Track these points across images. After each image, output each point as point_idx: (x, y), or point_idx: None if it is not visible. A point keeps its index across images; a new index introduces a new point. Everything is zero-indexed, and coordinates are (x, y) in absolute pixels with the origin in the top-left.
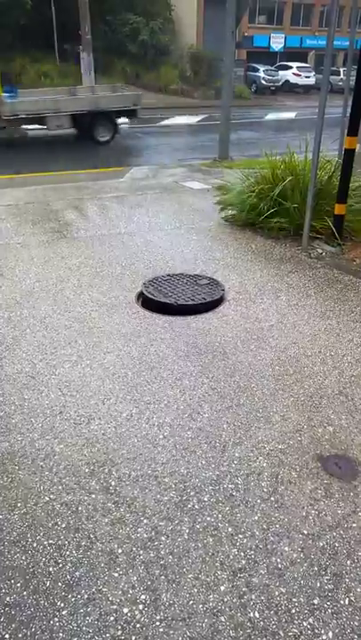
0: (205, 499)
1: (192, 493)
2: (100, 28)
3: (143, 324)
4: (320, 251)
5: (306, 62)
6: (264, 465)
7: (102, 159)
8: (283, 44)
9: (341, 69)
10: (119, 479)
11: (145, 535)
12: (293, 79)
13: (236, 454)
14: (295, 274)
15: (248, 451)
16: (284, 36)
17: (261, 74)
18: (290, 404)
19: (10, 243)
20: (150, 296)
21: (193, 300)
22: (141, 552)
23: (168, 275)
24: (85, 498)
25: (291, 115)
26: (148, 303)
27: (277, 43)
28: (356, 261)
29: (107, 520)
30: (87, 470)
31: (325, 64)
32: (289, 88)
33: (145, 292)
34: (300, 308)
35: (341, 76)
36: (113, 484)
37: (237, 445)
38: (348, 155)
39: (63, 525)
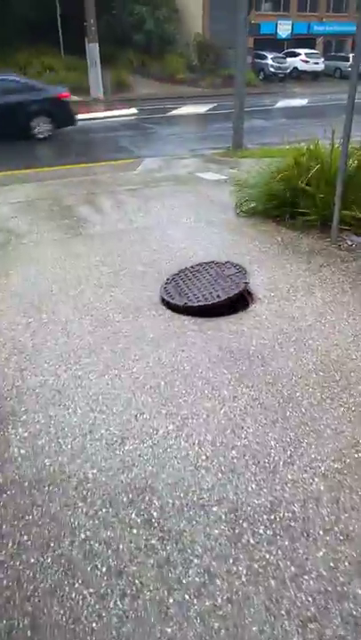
0: (261, 531)
1: (245, 525)
2: (104, 18)
3: (171, 327)
4: (350, 242)
5: (314, 49)
6: (321, 488)
7: (112, 151)
8: (290, 31)
9: (350, 55)
10: (162, 509)
11: (197, 579)
12: (302, 66)
13: (289, 476)
14: (327, 268)
15: (301, 471)
16: (291, 22)
17: (269, 61)
18: (340, 414)
19: (23, 242)
20: (167, 297)
21: (207, 299)
22: (195, 601)
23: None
24: (126, 534)
25: (302, 102)
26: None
27: (284, 29)
28: None
29: (152, 561)
30: (125, 500)
31: (357, 48)
32: (297, 75)
33: (163, 292)
34: (337, 305)
35: (350, 62)
36: (155, 515)
37: (289, 465)
38: None
39: (104, 569)
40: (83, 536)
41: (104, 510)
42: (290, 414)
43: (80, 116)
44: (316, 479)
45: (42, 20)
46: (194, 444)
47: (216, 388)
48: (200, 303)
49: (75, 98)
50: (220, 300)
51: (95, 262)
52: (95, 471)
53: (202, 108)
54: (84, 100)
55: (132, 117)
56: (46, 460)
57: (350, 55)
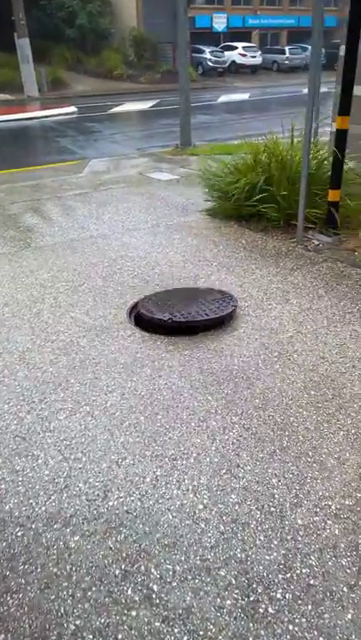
0: (279, 595)
1: (260, 589)
2: (34, 13)
3: (144, 349)
4: (316, 242)
5: (250, 42)
6: (336, 532)
7: (54, 153)
8: (225, 24)
9: (286, 48)
10: (162, 580)
11: None
12: (240, 59)
13: (299, 521)
14: (298, 271)
15: (311, 513)
16: (226, 15)
17: (207, 55)
18: (341, 439)
19: None
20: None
21: (194, 318)
22: None
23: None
24: (124, 618)
25: (244, 96)
26: (142, 321)
27: (220, 23)
28: (358, 252)
29: None
30: (118, 572)
31: (313, 42)
32: (236, 69)
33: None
34: (315, 313)
35: (287, 55)
36: (156, 589)
37: (296, 507)
38: (340, 135)
39: None
40: (72, 627)
41: (94, 589)
42: (287, 444)
43: (15, 116)
44: (328, 522)
45: None
46: (187, 490)
47: (203, 419)
48: (187, 319)
49: (7, 97)
50: (209, 319)
51: (49, 278)
52: (77, 538)
53: (145, 105)
54: (18, 98)
55: (72, 116)
56: (18, 529)
57: (286, 48)
